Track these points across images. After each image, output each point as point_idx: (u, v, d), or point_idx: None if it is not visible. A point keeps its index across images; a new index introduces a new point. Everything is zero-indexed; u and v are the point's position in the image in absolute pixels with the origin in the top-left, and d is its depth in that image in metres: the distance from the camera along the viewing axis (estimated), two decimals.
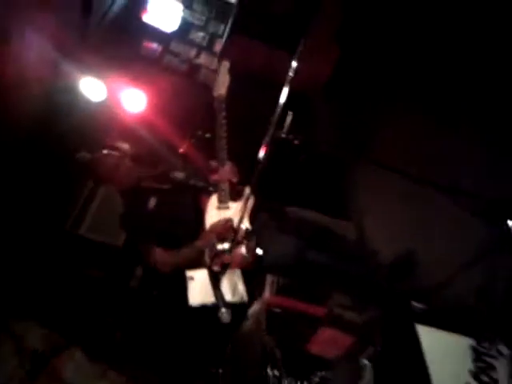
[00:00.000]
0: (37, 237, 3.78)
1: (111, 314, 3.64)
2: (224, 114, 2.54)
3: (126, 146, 2.87)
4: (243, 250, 2.44)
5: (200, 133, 3.49)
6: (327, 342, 2.99)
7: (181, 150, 4.63)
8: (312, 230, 2.73)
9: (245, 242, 2.46)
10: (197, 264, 2.43)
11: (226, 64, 2.56)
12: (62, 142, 4.22)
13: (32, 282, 3.61)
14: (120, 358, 3.53)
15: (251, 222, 2.56)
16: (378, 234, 3.30)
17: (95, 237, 3.94)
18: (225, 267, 2.40)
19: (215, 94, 2.54)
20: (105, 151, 2.82)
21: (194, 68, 5.18)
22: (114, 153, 2.75)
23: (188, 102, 5.03)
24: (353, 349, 2.94)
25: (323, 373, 3.16)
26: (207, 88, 5.37)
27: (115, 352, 3.53)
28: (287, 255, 2.55)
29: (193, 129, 4.18)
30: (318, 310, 2.83)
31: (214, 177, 2.56)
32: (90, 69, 4.46)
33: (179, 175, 2.74)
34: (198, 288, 2.06)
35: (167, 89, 4.87)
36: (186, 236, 2.54)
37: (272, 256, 2.49)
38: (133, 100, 4.52)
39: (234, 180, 2.60)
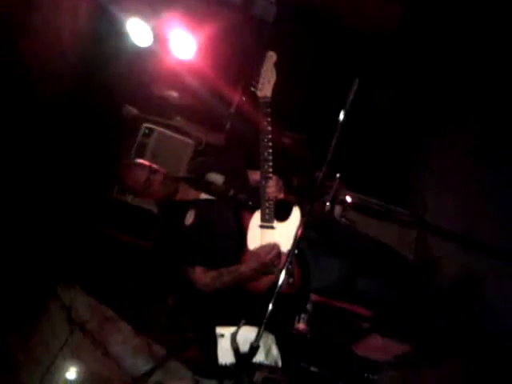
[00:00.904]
0: (80, 201, 3.68)
1: (158, 283, 3.60)
2: (269, 119, 2.18)
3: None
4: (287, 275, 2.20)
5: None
6: (378, 348, 2.81)
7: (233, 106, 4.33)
8: (364, 250, 2.43)
9: (289, 267, 2.21)
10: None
11: (271, 56, 2.14)
12: (107, 92, 3.98)
13: (78, 249, 3.58)
14: (166, 330, 3.53)
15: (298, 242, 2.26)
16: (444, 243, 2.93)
17: (143, 204, 3.80)
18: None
19: (259, 93, 2.15)
20: (135, 161, 2.52)
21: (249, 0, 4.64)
22: (145, 164, 2.45)
23: (243, 42, 4.56)
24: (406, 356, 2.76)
25: (370, 375, 3.04)
26: (265, 24, 4.88)
27: (162, 324, 3.53)
28: (334, 282, 2.29)
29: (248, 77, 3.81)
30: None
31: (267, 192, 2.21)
32: (136, 11, 4.09)
33: (218, 180, 2.44)
34: (229, 346, 1.89)
35: (219, 28, 4.41)
36: (227, 255, 2.31)
37: (317, 281, 2.23)
38: (182, 45, 4.14)
39: (280, 197, 2.27)
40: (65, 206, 3.63)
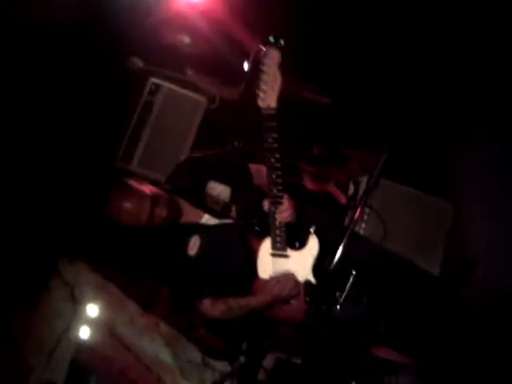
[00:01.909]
0: (83, 170, 3.40)
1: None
2: (275, 135, 1.77)
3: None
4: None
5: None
6: None
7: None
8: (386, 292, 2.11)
9: (307, 299, 1.93)
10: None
11: (274, 55, 1.63)
12: (109, 41, 3.54)
13: (81, 223, 3.35)
14: (174, 309, 3.36)
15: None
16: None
17: (148, 173, 3.49)
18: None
19: (261, 103, 1.72)
20: (131, 188, 1.96)
21: None
22: (145, 191, 1.95)
23: None
24: None
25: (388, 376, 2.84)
26: None
27: (170, 303, 3.36)
28: (355, 322, 1.99)
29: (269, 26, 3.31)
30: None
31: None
32: None
33: (223, 193, 2.05)
34: None
35: None
36: (237, 286, 2.02)
37: (338, 318, 1.94)
38: None
39: (293, 221, 1.91)
40: (66, 176, 3.36)
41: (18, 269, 3.14)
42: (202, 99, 3.69)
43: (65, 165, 3.35)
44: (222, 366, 3.18)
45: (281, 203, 1.85)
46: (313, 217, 2.10)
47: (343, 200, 3.31)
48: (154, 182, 2.12)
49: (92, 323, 3.22)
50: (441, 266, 2.82)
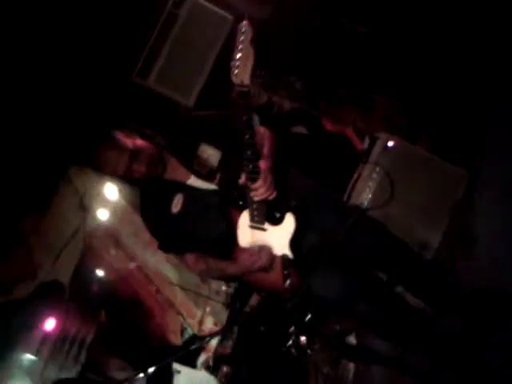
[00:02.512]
0: (98, 81, 3.32)
1: None
2: (249, 113, 1.64)
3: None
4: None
5: None
6: None
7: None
8: (377, 262, 2.04)
9: (285, 272, 1.91)
10: None
11: (247, 29, 1.50)
12: None
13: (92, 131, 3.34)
14: None
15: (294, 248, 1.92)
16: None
17: (164, 91, 3.38)
18: None
19: (234, 79, 1.58)
20: (115, 139, 1.94)
21: None
22: (126, 145, 1.93)
23: None
24: None
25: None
26: None
27: None
28: (333, 297, 1.96)
29: None
30: None
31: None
32: None
33: (213, 157, 1.96)
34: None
35: None
36: (218, 246, 2.01)
37: (318, 289, 1.93)
38: None
39: (271, 197, 1.83)
40: (80, 83, 3.30)
41: (29, 176, 3.22)
42: (229, 17, 3.44)
43: (80, 72, 3.29)
44: (217, 285, 3.31)
45: (256, 180, 1.77)
46: (301, 190, 2.02)
47: (359, 146, 3.14)
48: (146, 136, 2.07)
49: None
50: (443, 235, 2.70)
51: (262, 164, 1.78)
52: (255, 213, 1.87)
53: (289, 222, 1.90)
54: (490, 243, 2.44)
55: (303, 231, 1.91)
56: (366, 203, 2.67)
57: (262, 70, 3.44)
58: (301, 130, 3.55)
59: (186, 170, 2.02)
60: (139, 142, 2.00)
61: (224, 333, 3.08)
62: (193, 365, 2.78)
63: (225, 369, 2.70)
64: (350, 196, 2.80)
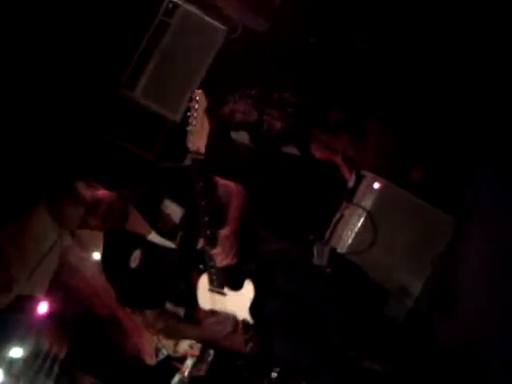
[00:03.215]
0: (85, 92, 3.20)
1: None
2: (204, 182, 1.52)
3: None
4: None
5: None
6: None
7: None
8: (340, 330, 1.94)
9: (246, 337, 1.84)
10: None
11: (200, 99, 1.41)
12: None
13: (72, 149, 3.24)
14: None
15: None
16: None
17: (151, 105, 3.25)
18: None
19: (190, 146, 1.46)
20: (69, 192, 1.85)
21: None
22: (82, 197, 1.84)
23: None
24: None
25: None
26: None
27: None
28: (296, 364, 1.89)
29: None
30: None
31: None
32: None
33: (175, 214, 1.86)
34: None
35: None
36: (176, 303, 1.97)
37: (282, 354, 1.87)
38: None
39: (231, 263, 1.73)
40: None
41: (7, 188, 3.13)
42: (222, 27, 3.27)
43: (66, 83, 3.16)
44: None
45: (215, 245, 1.67)
46: (266, 254, 1.91)
47: (347, 176, 3.01)
48: (109, 187, 1.97)
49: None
50: (424, 284, 2.58)
51: (224, 231, 1.69)
52: (214, 277, 1.78)
53: (248, 289, 1.80)
54: (470, 300, 2.32)
55: (263, 297, 1.81)
56: (344, 249, 2.56)
57: (253, 89, 3.32)
58: (292, 150, 3.42)
59: (147, 224, 1.92)
60: (100, 193, 1.91)
61: (200, 355, 3.03)
62: None
63: None
64: (330, 236, 2.68)
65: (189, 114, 1.43)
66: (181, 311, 2.07)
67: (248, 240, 1.81)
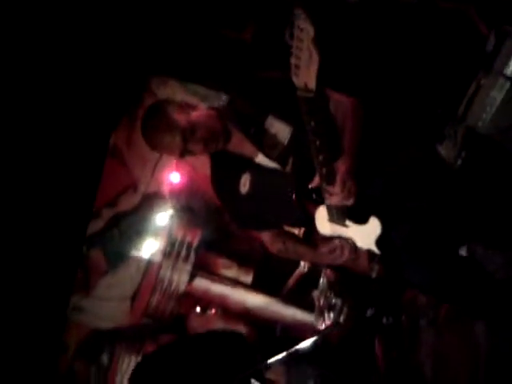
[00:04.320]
0: None
1: None
2: (316, 120, 1.24)
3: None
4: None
5: None
6: None
7: None
8: None
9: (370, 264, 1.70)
10: None
11: (307, 27, 1.05)
12: None
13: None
14: None
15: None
16: None
17: None
18: None
19: (295, 80, 1.16)
20: (155, 119, 1.69)
21: None
22: (177, 123, 1.64)
23: None
24: None
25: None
26: None
27: None
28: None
29: None
30: None
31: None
32: None
33: (283, 132, 1.58)
34: None
35: None
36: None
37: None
38: None
39: (349, 203, 1.52)
40: None
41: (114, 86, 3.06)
42: None
43: None
44: None
45: (332, 184, 1.46)
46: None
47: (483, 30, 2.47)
48: (210, 106, 1.78)
49: None
50: None
51: (341, 167, 1.45)
52: (334, 211, 1.59)
53: (374, 224, 1.60)
54: None
55: (390, 230, 1.61)
56: (483, 127, 2.17)
57: None
58: None
59: (252, 145, 1.73)
60: (195, 116, 1.69)
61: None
62: None
63: None
64: (465, 113, 2.28)
65: (291, 43, 1.13)
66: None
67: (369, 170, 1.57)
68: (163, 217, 3.49)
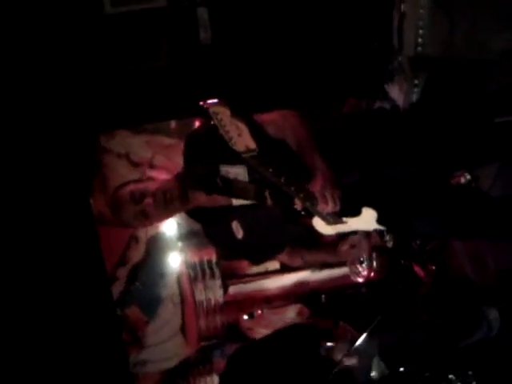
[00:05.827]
0: None
1: None
2: (273, 167, 1.25)
3: None
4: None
5: None
6: None
7: None
8: None
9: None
10: None
11: (221, 110, 1.09)
12: None
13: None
14: None
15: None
16: None
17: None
18: None
19: (237, 149, 1.17)
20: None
21: None
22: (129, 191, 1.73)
23: None
24: None
25: None
26: None
27: None
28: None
29: None
30: None
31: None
32: None
33: (241, 175, 1.58)
34: None
35: None
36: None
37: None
38: None
39: (337, 209, 1.51)
40: None
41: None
42: None
43: None
44: None
45: (314, 203, 1.48)
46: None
47: None
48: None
49: None
50: None
51: (315, 185, 1.46)
52: (327, 218, 1.61)
53: (368, 212, 1.64)
54: None
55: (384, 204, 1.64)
56: (420, 49, 2.14)
57: None
58: None
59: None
60: (151, 185, 1.79)
61: None
62: None
63: None
64: (400, 43, 2.25)
65: (218, 130, 1.12)
66: None
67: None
68: (173, 250, 3.52)
